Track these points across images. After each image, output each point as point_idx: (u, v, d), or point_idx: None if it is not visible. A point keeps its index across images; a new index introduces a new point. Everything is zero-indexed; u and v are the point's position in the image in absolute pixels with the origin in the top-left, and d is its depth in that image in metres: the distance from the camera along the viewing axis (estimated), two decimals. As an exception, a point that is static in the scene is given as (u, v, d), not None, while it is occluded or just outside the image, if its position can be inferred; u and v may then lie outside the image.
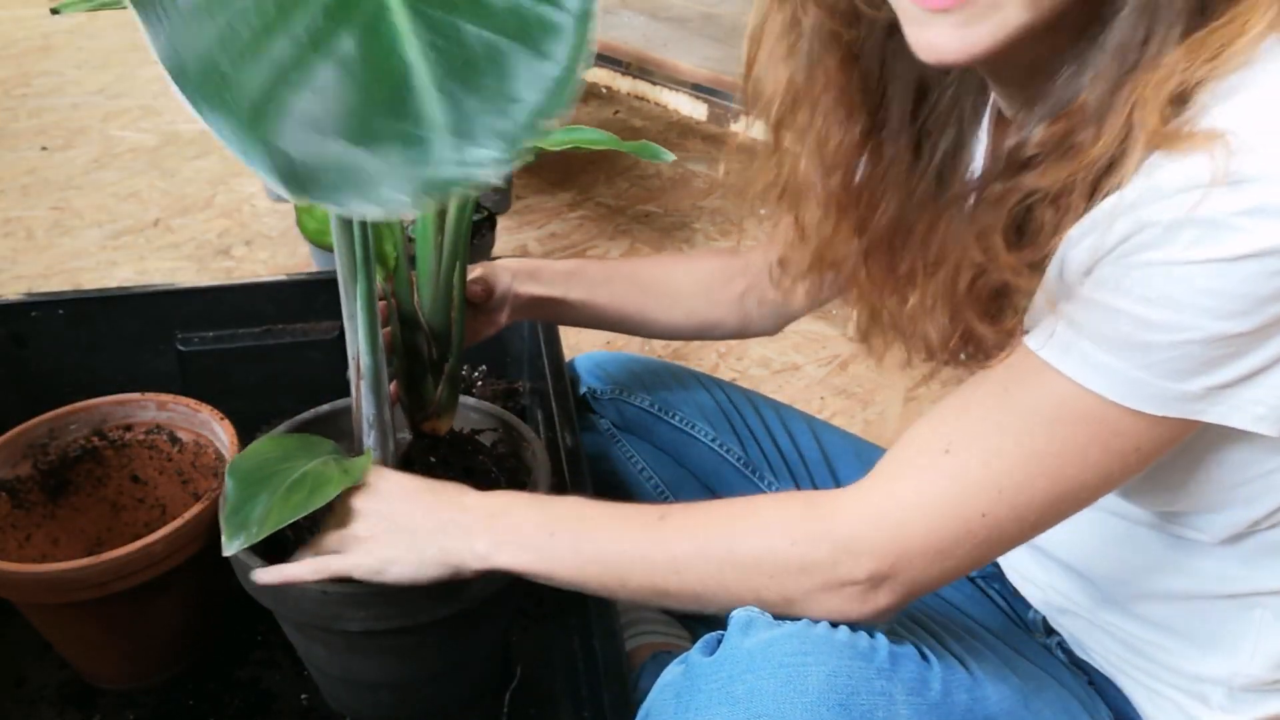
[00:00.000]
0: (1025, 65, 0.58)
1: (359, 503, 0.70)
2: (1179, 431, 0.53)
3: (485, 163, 0.37)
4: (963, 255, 0.60)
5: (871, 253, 0.71)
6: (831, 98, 0.69)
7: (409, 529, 0.68)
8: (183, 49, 0.37)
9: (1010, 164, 0.59)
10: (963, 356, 0.68)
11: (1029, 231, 0.57)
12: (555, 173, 2.30)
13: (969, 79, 0.69)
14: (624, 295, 0.92)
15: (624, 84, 2.05)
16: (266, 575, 0.70)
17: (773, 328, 0.95)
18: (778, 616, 0.59)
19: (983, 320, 0.61)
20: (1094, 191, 0.54)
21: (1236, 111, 0.49)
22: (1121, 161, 0.52)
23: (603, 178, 2.29)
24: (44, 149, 2.47)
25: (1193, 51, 0.51)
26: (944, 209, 0.66)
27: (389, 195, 0.36)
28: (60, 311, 1.10)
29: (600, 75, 2.10)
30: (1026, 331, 0.58)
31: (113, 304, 1.11)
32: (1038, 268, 0.57)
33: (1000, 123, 0.67)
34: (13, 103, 2.73)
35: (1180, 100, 0.51)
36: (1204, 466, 0.59)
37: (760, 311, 0.93)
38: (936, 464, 0.57)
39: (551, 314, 0.93)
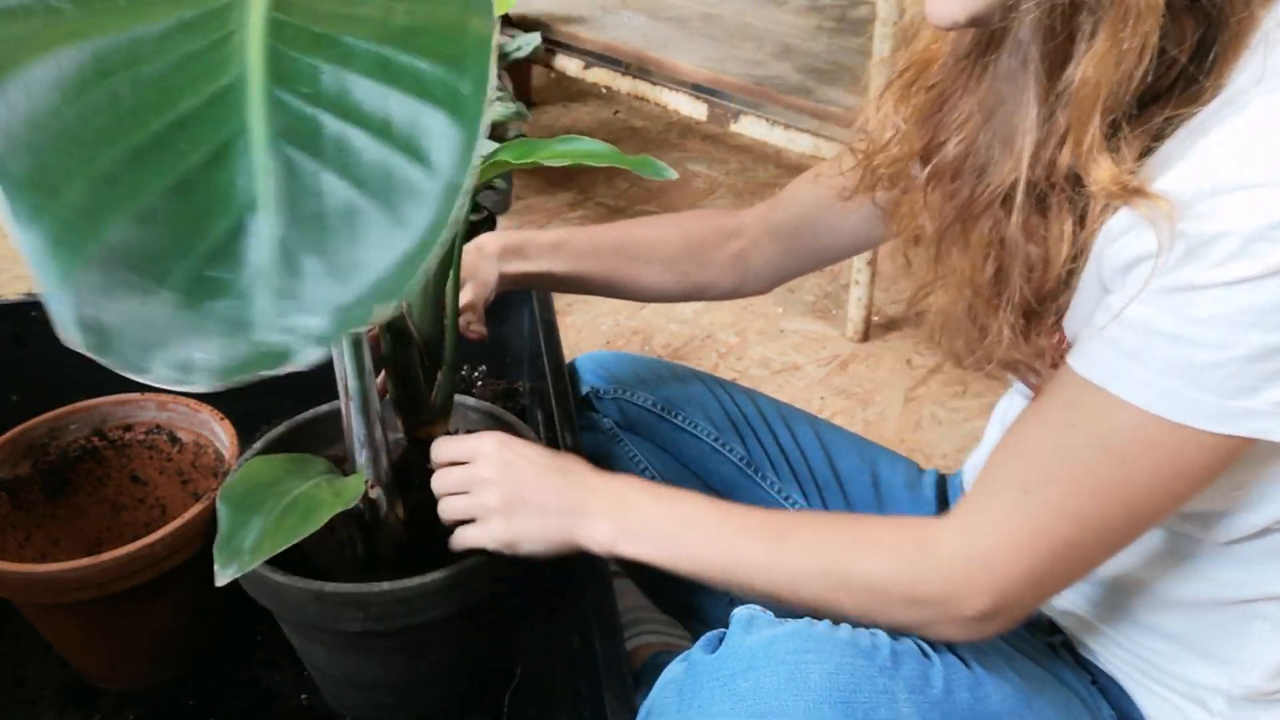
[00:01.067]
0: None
1: (488, 471, 0.71)
2: (1248, 444, 0.54)
3: (308, 334, 0.31)
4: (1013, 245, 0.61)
5: (931, 181, 0.70)
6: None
7: (540, 507, 0.70)
8: (15, 143, 0.32)
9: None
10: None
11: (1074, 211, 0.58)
12: (555, 172, 2.30)
13: None
14: (612, 263, 0.91)
15: (624, 84, 2.05)
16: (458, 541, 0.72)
17: (765, 288, 0.94)
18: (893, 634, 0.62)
19: (1025, 324, 0.62)
20: (1076, 222, 0.56)
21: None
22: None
23: (603, 177, 2.29)
24: (44, 149, 2.47)
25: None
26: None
27: (187, 358, 0.31)
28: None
29: (600, 75, 2.10)
30: (1069, 343, 0.59)
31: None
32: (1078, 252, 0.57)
33: None
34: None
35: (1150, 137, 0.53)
36: (1231, 473, 0.59)
37: (755, 273, 0.92)
38: (1019, 505, 0.59)
39: (539, 286, 0.93)
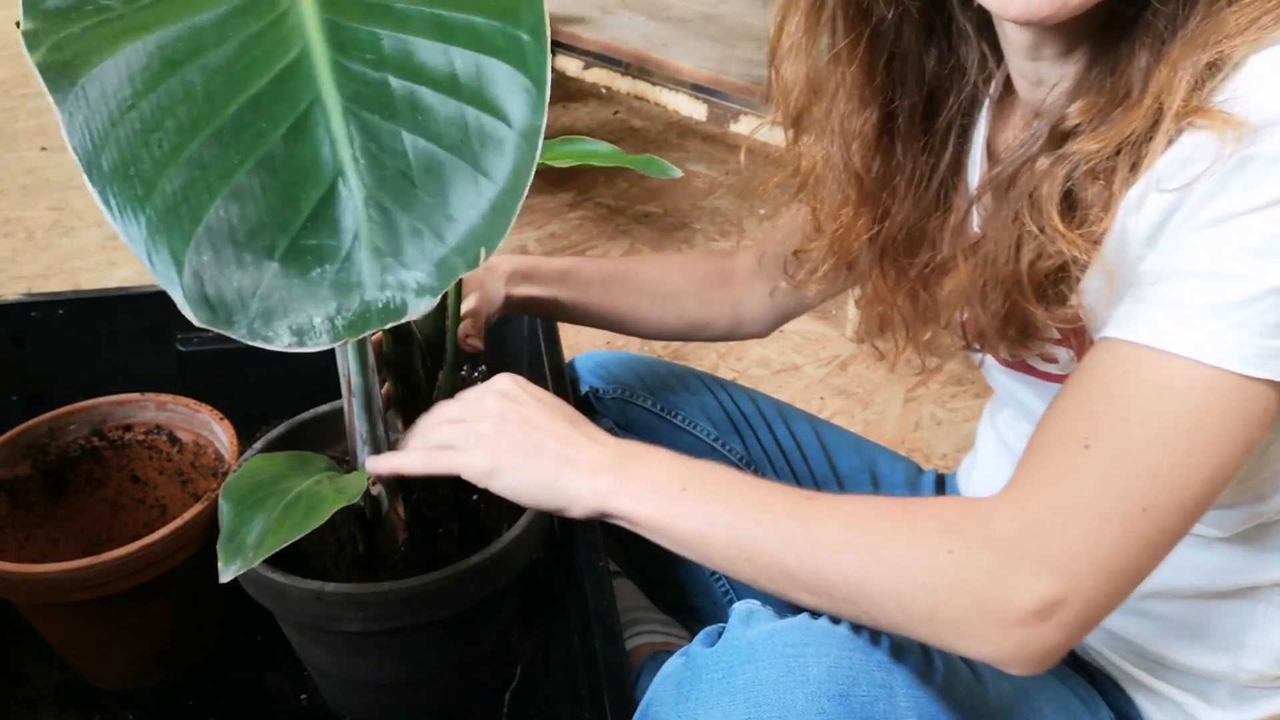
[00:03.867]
0: (1077, 31, 0.59)
1: (494, 403, 0.67)
2: None
3: (414, 288, 0.33)
4: (1016, 234, 0.60)
5: (885, 253, 0.72)
6: (849, 82, 0.69)
7: (534, 446, 0.65)
8: (101, 141, 0.33)
9: (1053, 137, 0.59)
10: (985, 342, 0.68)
11: (1079, 209, 0.58)
12: (555, 172, 2.30)
13: (984, 75, 0.69)
14: (616, 296, 0.92)
15: (624, 84, 2.05)
16: (378, 465, 0.68)
17: (763, 330, 0.95)
18: (921, 642, 0.55)
19: (1039, 303, 0.61)
20: (1138, 161, 0.54)
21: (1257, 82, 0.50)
22: (1155, 133, 0.52)
23: (603, 178, 2.29)
24: (43, 149, 2.47)
25: (1233, 19, 0.51)
26: (973, 200, 0.67)
27: (306, 322, 0.32)
28: (60, 312, 1.10)
29: (600, 75, 2.10)
30: (1081, 318, 0.58)
31: (112, 304, 1.10)
32: (1095, 243, 0.56)
33: (1000, 108, 0.67)
34: (12, 103, 2.74)
35: (1212, 73, 0.51)
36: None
37: (752, 314, 0.93)
38: (1081, 463, 0.52)
39: (543, 312, 0.94)
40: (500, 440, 0.65)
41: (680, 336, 0.97)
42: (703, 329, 0.95)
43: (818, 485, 0.96)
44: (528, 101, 0.35)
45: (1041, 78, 0.62)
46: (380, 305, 0.33)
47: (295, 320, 0.33)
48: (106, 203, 0.33)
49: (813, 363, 1.69)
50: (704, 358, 1.69)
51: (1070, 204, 0.58)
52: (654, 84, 1.98)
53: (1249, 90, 0.51)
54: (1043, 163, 0.59)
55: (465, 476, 0.65)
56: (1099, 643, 0.73)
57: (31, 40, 0.36)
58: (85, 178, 0.33)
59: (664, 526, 0.61)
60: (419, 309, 0.33)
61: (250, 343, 0.34)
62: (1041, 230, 0.58)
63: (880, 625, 0.56)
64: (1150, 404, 0.51)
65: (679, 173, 0.74)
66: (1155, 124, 0.53)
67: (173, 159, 0.33)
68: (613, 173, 2.31)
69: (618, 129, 2.63)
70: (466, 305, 0.84)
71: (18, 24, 0.37)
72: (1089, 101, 0.57)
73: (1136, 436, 0.51)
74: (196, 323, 0.33)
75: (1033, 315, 0.61)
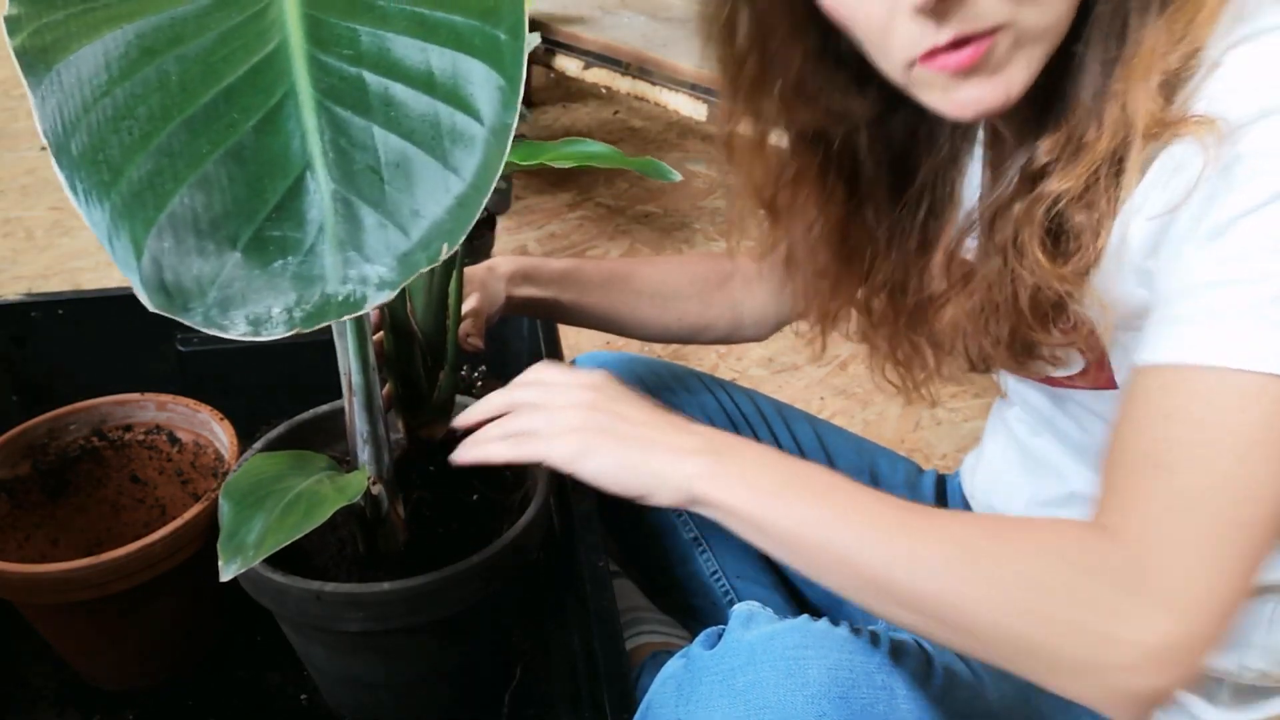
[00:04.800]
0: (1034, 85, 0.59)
1: (581, 393, 0.66)
2: None
3: (375, 281, 0.33)
4: (1009, 275, 0.60)
5: (876, 297, 0.73)
6: (812, 196, 0.72)
7: (624, 432, 0.63)
8: (72, 124, 0.34)
9: (1024, 179, 0.59)
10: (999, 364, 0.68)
11: (1069, 238, 0.58)
12: (555, 173, 2.30)
13: (959, 139, 0.70)
14: (616, 298, 0.92)
15: (624, 84, 2.05)
16: (463, 455, 0.68)
17: (764, 333, 0.96)
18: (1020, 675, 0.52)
19: (1045, 328, 0.61)
20: (1120, 184, 0.54)
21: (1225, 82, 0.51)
22: (1128, 151, 0.52)
23: (602, 178, 2.29)
24: (43, 149, 2.47)
25: (1168, 31, 0.52)
26: (958, 240, 0.67)
27: (264, 312, 0.32)
28: (60, 312, 1.10)
29: (600, 75, 2.10)
30: (1092, 334, 0.58)
31: (112, 305, 1.10)
32: (1084, 274, 0.57)
33: (996, 142, 0.67)
34: (12, 103, 2.74)
35: (1172, 81, 0.52)
36: None
37: (752, 316, 0.93)
38: (1168, 492, 0.50)
39: (544, 313, 0.94)
40: (588, 424, 0.64)
41: (680, 339, 0.97)
42: (703, 331, 0.95)
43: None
44: (500, 99, 0.35)
45: (1011, 123, 0.63)
46: (340, 298, 0.33)
47: (253, 310, 0.33)
48: (73, 187, 0.33)
49: (812, 363, 1.69)
50: (704, 358, 1.69)
51: (1057, 237, 0.58)
52: (654, 84, 1.98)
53: (1222, 90, 0.51)
54: (1018, 207, 0.59)
55: (550, 463, 0.65)
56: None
57: (13, 25, 0.36)
58: (54, 162, 0.33)
59: (757, 520, 0.58)
60: (377, 301, 0.33)
61: (205, 330, 0.34)
62: (1030, 271, 0.58)
63: (974, 653, 0.53)
64: (1215, 422, 0.50)
65: (678, 176, 0.74)
66: (1124, 149, 0.53)
67: (142, 146, 0.34)
68: (613, 173, 2.31)
69: (618, 129, 2.63)
70: (468, 305, 0.84)
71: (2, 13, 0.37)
72: (1054, 140, 0.57)
73: (1213, 457, 0.50)
74: (151, 308, 0.33)
75: (1040, 339, 0.61)
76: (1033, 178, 0.58)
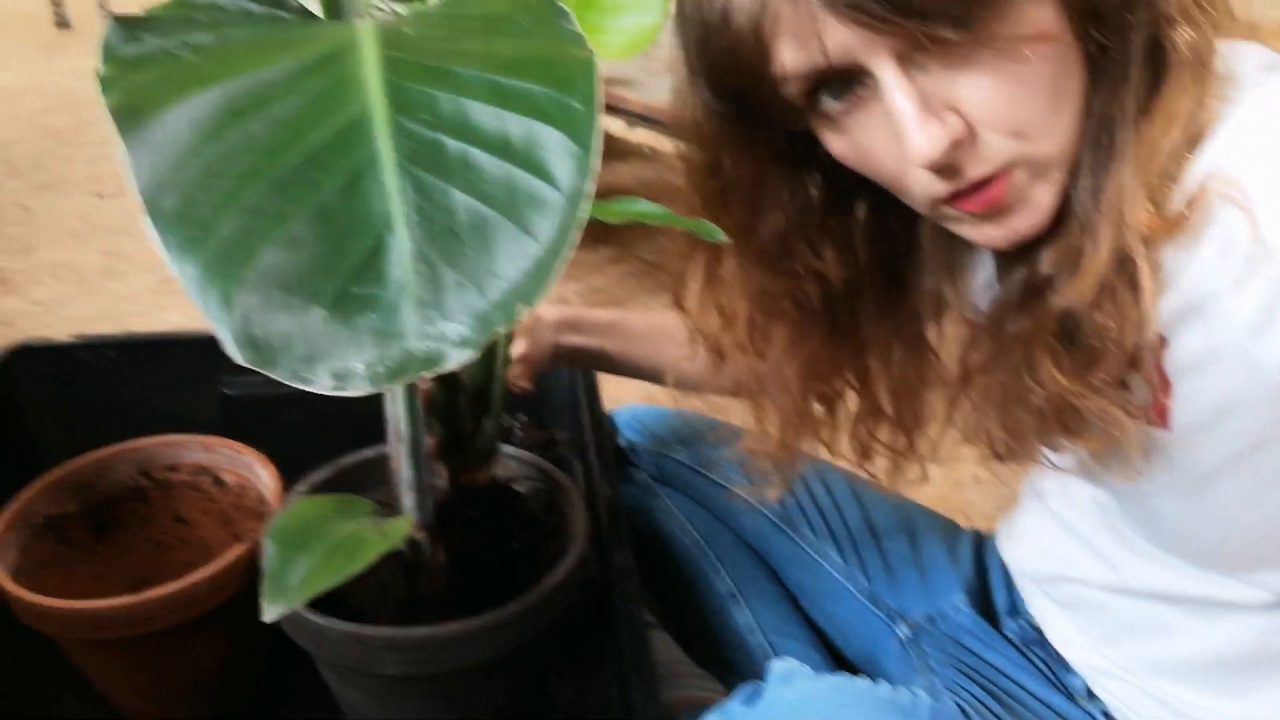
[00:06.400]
0: None
1: None
2: None
3: (454, 340, 0.34)
4: (1024, 386, 0.60)
5: (883, 403, 0.74)
6: (810, 358, 0.72)
7: None
8: (164, 182, 0.35)
9: (1028, 293, 0.59)
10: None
11: (1085, 341, 0.57)
12: (598, 228, 2.33)
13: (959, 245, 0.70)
14: (660, 350, 0.93)
15: (667, 144, 2.07)
16: None
17: None
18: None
19: (1074, 437, 0.61)
20: (1135, 283, 0.54)
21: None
22: (1131, 257, 0.53)
23: (644, 234, 2.31)
24: (98, 196, 2.53)
25: (1148, 138, 0.52)
26: (969, 344, 0.67)
27: (346, 367, 0.33)
28: (110, 354, 1.12)
29: (644, 135, 2.13)
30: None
31: (160, 348, 1.13)
32: (1119, 383, 0.56)
33: (998, 256, 0.66)
34: (69, 151, 2.82)
35: (1162, 182, 0.52)
36: None
37: None
38: None
39: (589, 363, 0.95)
40: None
41: (723, 392, 0.98)
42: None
43: (854, 543, 0.95)
44: (575, 166, 0.37)
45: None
46: (420, 354, 0.34)
47: (336, 365, 0.34)
48: (166, 244, 0.34)
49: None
50: (738, 412, 1.69)
51: (1072, 342, 0.58)
52: (695, 142, 2.00)
53: (1225, 158, 0.51)
54: (1025, 323, 0.59)
55: None
56: (1141, 709, 0.71)
57: (106, 86, 0.37)
58: (147, 218, 0.34)
59: None
60: (457, 360, 0.34)
61: (291, 384, 0.35)
62: (1045, 387, 0.58)
63: None
64: None
65: (725, 236, 0.75)
66: (1128, 256, 0.54)
67: (232, 204, 0.35)
68: (655, 229, 2.33)
69: (660, 187, 2.66)
70: (516, 351, 0.86)
71: (97, 71, 0.39)
72: (1054, 251, 0.57)
73: None
74: (241, 362, 0.34)
75: (1085, 410, 0.59)
76: (1038, 290, 0.59)
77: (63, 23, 3.76)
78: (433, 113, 0.38)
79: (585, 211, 0.37)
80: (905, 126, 0.53)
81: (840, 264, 0.69)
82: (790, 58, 0.54)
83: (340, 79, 0.39)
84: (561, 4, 0.44)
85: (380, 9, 0.59)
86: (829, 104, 0.57)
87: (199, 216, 0.34)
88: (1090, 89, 0.55)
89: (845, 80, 0.55)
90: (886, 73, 0.53)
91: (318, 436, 1.04)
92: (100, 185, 2.59)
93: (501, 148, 0.37)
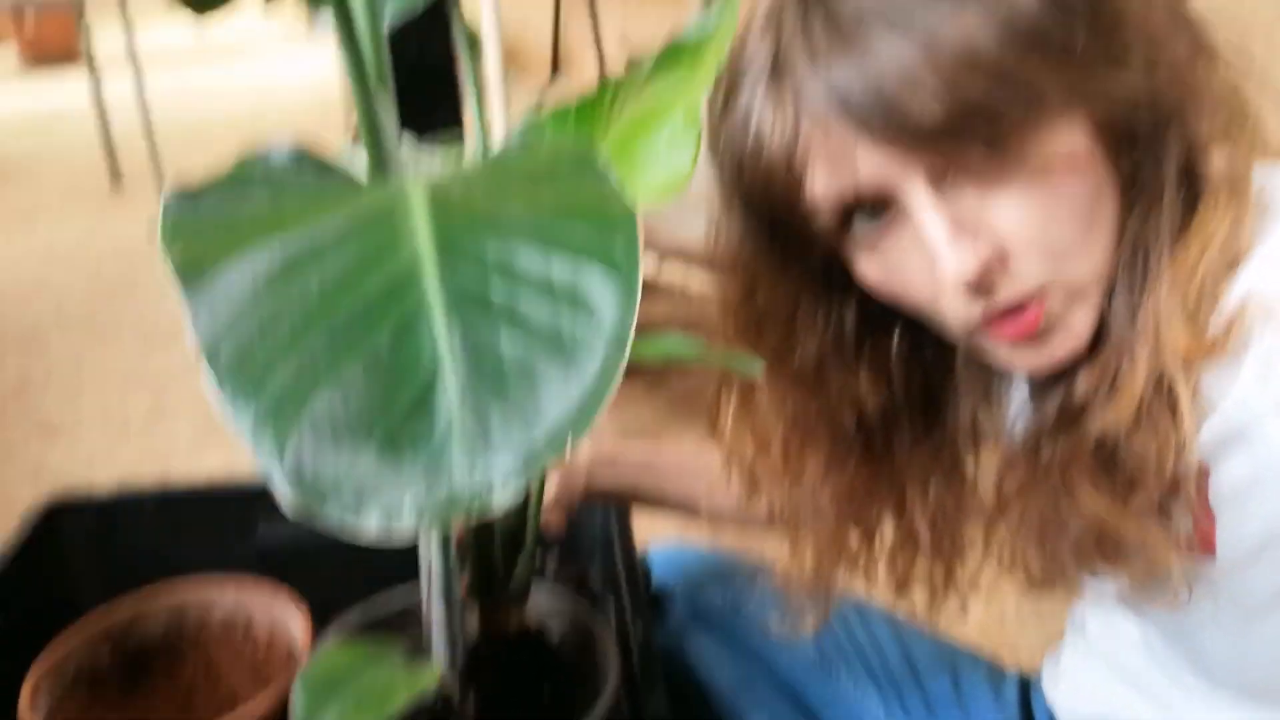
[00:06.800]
0: None
1: None
2: None
3: (502, 476, 0.35)
4: (1060, 512, 0.60)
5: (919, 533, 0.73)
6: (845, 490, 0.73)
7: None
8: (222, 333, 0.37)
9: (1064, 417, 0.59)
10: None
11: (1125, 466, 0.57)
12: (631, 361, 2.36)
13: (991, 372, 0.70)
14: (696, 484, 0.93)
15: (698, 279, 2.12)
16: None
17: None
18: None
19: (1115, 564, 0.60)
20: (1174, 406, 0.54)
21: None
22: (1170, 380, 0.53)
23: (676, 365, 2.33)
24: (146, 344, 2.61)
25: (1184, 260, 0.53)
26: (1005, 469, 0.67)
27: (395, 506, 0.34)
28: (148, 505, 1.14)
29: (676, 272, 2.17)
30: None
31: (198, 498, 1.15)
32: (1161, 508, 0.56)
33: (1033, 381, 0.67)
34: (120, 303, 2.91)
35: (1199, 305, 0.53)
36: None
37: None
38: None
39: (625, 501, 0.95)
40: None
41: (761, 525, 0.97)
42: None
43: (896, 685, 0.93)
44: (619, 304, 0.38)
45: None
46: (468, 491, 0.34)
47: (385, 503, 0.34)
48: (221, 391, 0.35)
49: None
50: (777, 546, 1.66)
51: (1111, 467, 0.57)
52: (724, 282, 2.04)
53: (1263, 281, 0.52)
54: (1063, 446, 0.58)
55: None
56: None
57: (168, 244, 0.40)
58: (206, 367, 0.35)
59: None
60: (504, 497, 0.35)
61: (339, 525, 0.35)
62: (1084, 513, 0.57)
63: None
64: None
65: (760, 372, 0.76)
66: (1168, 380, 0.53)
67: (286, 354, 0.36)
68: (688, 362, 2.35)
69: (691, 321, 2.69)
70: (549, 495, 0.86)
71: (157, 233, 0.41)
72: (1090, 375, 0.57)
73: None
74: (291, 504, 0.35)
75: (1126, 537, 0.58)
76: (1074, 414, 0.58)
77: (117, 182, 3.94)
78: (480, 258, 0.40)
79: (627, 348, 0.38)
80: (937, 248, 0.54)
81: (875, 390, 0.69)
82: (823, 183, 0.56)
83: (390, 231, 0.41)
84: (600, 156, 0.47)
85: (423, 166, 0.62)
86: (862, 229, 0.58)
87: (255, 366, 0.36)
88: (1124, 212, 0.56)
89: (878, 205, 0.56)
90: (918, 195, 0.54)
91: (352, 579, 1.04)
92: (148, 334, 2.67)
93: (546, 289, 0.39)
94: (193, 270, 0.37)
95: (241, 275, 0.38)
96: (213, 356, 0.36)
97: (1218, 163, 0.54)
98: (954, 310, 0.57)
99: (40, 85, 5.80)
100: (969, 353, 0.69)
